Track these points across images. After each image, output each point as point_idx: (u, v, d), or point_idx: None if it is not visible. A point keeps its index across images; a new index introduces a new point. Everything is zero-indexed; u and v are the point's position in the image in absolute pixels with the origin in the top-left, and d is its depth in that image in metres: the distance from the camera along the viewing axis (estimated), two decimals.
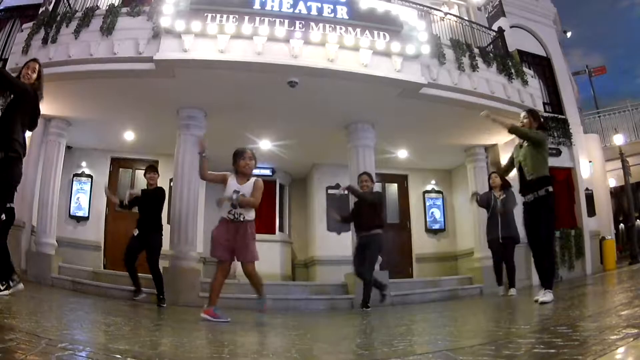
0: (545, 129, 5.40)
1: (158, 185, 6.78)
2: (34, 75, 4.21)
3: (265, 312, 4.80)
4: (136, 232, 6.43)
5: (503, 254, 7.32)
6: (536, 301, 4.56)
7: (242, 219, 4.48)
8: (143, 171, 7.09)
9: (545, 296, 4.53)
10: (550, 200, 4.82)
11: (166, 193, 6.84)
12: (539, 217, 4.83)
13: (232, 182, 4.59)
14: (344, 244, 9.21)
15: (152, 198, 6.54)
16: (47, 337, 2.20)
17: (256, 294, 4.74)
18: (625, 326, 2.35)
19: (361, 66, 7.16)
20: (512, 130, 5.02)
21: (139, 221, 6.55)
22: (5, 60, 8.42)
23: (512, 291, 7.09)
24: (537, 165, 4.90)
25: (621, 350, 1.81)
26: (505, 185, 7.47)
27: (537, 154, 4.92)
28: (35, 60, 4.34)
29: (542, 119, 5.33)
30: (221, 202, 4.56)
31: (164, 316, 5.01)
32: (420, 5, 8.78)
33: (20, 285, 3.53)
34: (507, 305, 5.75)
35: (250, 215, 4.55)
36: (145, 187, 6.82)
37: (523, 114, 5.30)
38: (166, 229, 8.36)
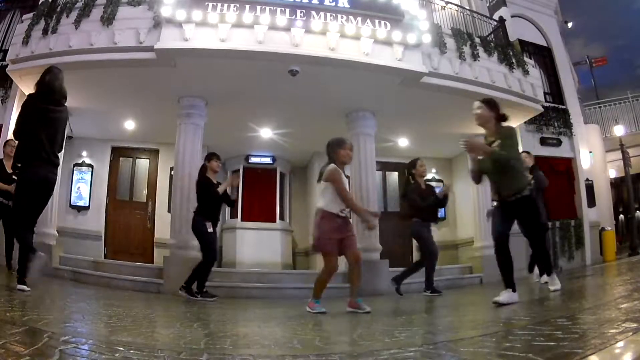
0: (505, 120, 4.41)
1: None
2: None
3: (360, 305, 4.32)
4: (211, 228, 5.98)
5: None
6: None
7: (349, 215, 4.53)
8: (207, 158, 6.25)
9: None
10: None
11: None
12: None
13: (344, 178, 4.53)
14: None
15: (225, 195, 6.15)
16: (50, 330, 2.21)
17: (351, 287, 4.44)
18: (625, 320, 2.37)
19: (362, 55, 7.13)
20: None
21: (213, 216, 6.06)
22: (6, 52, 8.37)
23: (546, 278, 5.89)
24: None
25: (620, 344, 1.82)
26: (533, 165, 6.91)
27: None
28: None
29: (500, 109, 4.39)
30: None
31: (165, 306, 5.04)
32: None
33: None
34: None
35: None
36: (209, 177, 6.14)
37: (477, 104, 4.42)
38: (167, 218, 8.43)
